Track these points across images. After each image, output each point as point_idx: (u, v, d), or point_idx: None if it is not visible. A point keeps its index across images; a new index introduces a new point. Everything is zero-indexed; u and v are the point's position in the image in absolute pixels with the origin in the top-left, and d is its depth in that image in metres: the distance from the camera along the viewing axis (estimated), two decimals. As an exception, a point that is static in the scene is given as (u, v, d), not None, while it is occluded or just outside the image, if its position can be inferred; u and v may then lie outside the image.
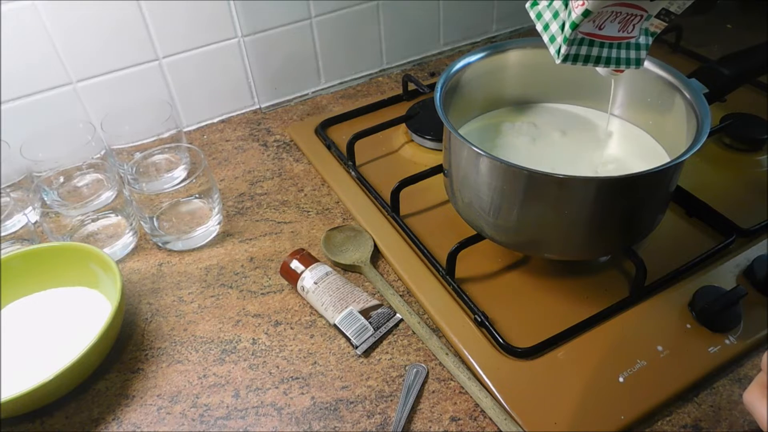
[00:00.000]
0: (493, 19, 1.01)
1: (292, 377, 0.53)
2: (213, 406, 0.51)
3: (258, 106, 0.89)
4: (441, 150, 0.74)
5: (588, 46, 0.48)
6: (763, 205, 0.64)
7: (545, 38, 0.49)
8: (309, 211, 0.70)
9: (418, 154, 0.77)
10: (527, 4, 0.50)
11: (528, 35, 0.61)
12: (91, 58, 0.74)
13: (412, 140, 0.79)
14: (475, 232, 0.58)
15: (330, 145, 0.78)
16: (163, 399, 0.52)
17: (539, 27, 0.49)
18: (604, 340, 0.53)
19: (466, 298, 0.56)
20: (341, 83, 0.94)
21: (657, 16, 0.47)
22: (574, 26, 0.45)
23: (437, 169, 0.66)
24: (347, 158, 0.74)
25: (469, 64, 0.61)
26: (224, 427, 0.50)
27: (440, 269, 0.59)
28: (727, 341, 0.52)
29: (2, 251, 0.63)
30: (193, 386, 0.53)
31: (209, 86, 0.84)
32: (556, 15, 0.47)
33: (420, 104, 0.81)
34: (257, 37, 0.82)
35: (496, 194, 0.52)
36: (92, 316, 0.57)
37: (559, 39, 0.47)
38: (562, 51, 0.47)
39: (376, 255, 0.64)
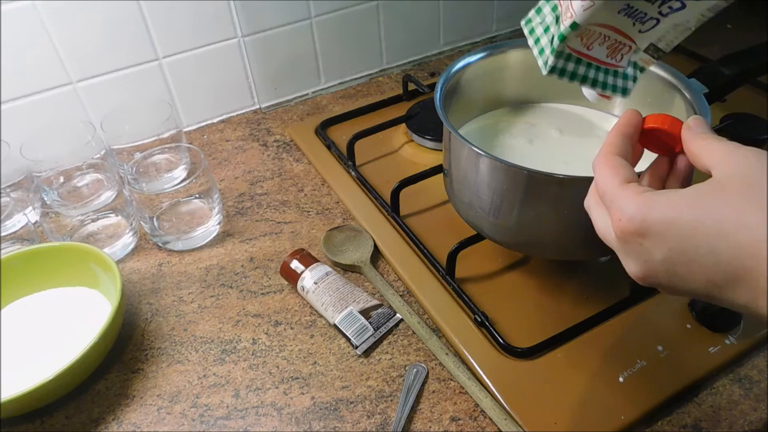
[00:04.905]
0: (493, 19, 1.01)
1: (292, 377, 0.53)
2: (213, 406, 0.51)
3: (258, 106, 0.89)
4: (441, 150, 0.74)
5: (575, 64, 0.48)
6: (763, 205, 0.64)
7: (535, 51, 0.50)
8: (309, 211, 0.70)
9: (418, 154, 0.77)
10: (522, 21, 0.51)
11: (528, 35, 0.61)
12: (91, 58, 0.74)
13: (412, 140, 0.79)
14: (475, 232, 0.58)
15: (330, 145, 0.78)
16: (163, 399, 0.52)
17: (531, 41, 0.50)
18: (604, 340, 0.53)
19: (466, 298, 0.56)
20: (341, 83, 0.94)
21: (646, 51, 0.48)
22: (562, 38, 0.45)
23: (437, 169, 0.66)
24: (347, 158, 0.74)
25: (469, 64, 0.61)
26: (224, 427, 0.50)
27: (440, 269, 0.59)
28: (727, 341, 0.52)
29: (2, 251, 0.63)
30: (193, 386, 0.53)
31: (209, 86, 0.84)
32: (546, 29, 0.48)
33: (420, 104, 0.81)
34: (257, 37, 0.82)
35: (496, 194, 0.52)
36: (92, 316, 0.57)
37: (548, 51, 0.48)
38: (550, 62, 0.48)
39: (376, 255, 0.64)
